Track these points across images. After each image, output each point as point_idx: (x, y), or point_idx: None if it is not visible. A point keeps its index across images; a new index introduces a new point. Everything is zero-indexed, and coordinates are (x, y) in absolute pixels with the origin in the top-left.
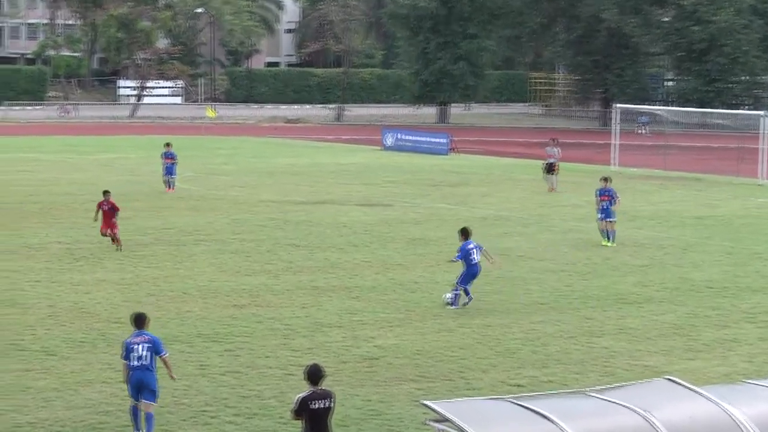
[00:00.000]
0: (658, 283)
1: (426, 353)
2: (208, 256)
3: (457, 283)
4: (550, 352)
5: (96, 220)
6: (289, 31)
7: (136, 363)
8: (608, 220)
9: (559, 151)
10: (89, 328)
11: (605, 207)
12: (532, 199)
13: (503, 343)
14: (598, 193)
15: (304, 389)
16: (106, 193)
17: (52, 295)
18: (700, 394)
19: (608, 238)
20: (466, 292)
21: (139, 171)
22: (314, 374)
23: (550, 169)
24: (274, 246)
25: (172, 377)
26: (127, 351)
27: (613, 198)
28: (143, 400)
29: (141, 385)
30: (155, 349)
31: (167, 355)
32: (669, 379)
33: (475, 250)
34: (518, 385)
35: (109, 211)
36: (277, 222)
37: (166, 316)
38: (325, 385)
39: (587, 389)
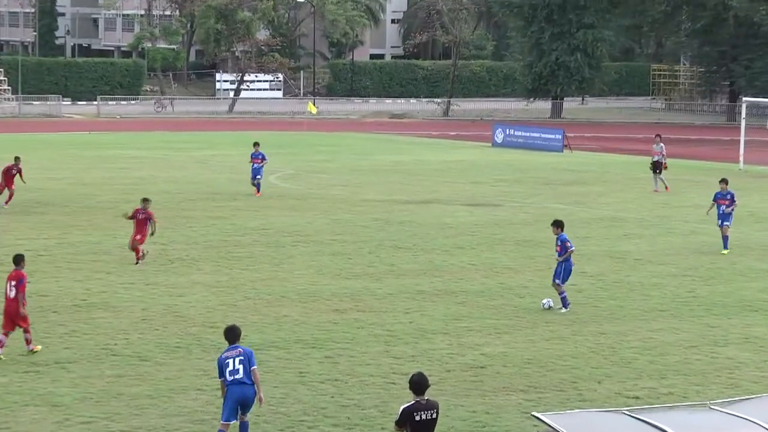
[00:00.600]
0: None
1: (536, 362)
2: (308, 257)
3: (557, 283)
4: (669, 362)
5: (128, 218)
6: (395, 21)
7: (230, 378)
8: (726, 224)
9: (663, 148)
10: (183, 332)
11: (722, 212)
12: (651, 199)
13: (619, 352)
14: (716, 196)
15: (407, 399)
16: (145, 201)
17: (145, 298)
18: None
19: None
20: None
21: (238, 169)
22: (418, 384)
23: (655, 168)
24: (377, 248)
25: (260, 399)
26: (221, 367)
27: (733, 202)
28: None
29: (243, 401)
30: (249, 361)
31: (256, 368)
32: None
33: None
34: (635, 397)
35: (143, 221)
36: (380, 222)
37: (263, 321)
38: (429, 395)
39: (710, 402)
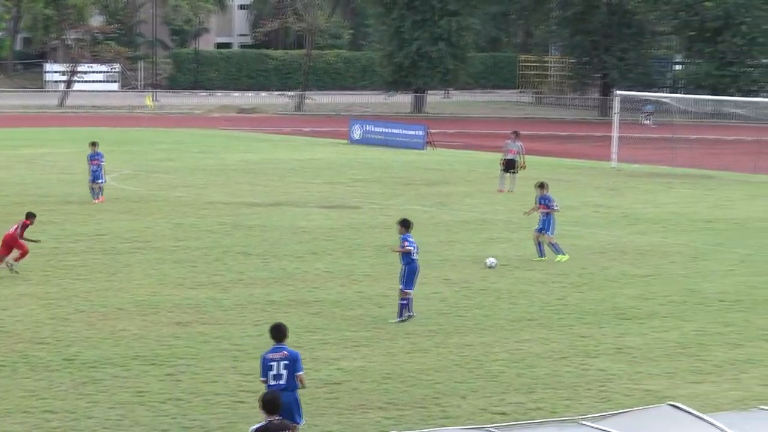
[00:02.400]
0: (662, 296)
1: (396, 377)
2: (147, 266)
3: (401, 288)
4: (537, 375)
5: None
6: (243, 7)
7: (273, 382)
8: (545, 233)
9: (522, 147)
10: (8, 349)
11: (544, 218)
12: (519, 200)
13: (484, 365)
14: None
15: (258, 419)
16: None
17: None
18: (708, 422)
19: (541, 254)
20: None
21: (71, 168)
22: (270, 402)
23: (508, 166)
24: (223, 254)
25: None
26: (265, 368)
27: (551, 207)
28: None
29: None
30: (294, 366)
31: (303, 373)
32: (673, 405)
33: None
34: (501, 413)
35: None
36: (227, 227)
37: (97, 336)
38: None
39: (580, 417)
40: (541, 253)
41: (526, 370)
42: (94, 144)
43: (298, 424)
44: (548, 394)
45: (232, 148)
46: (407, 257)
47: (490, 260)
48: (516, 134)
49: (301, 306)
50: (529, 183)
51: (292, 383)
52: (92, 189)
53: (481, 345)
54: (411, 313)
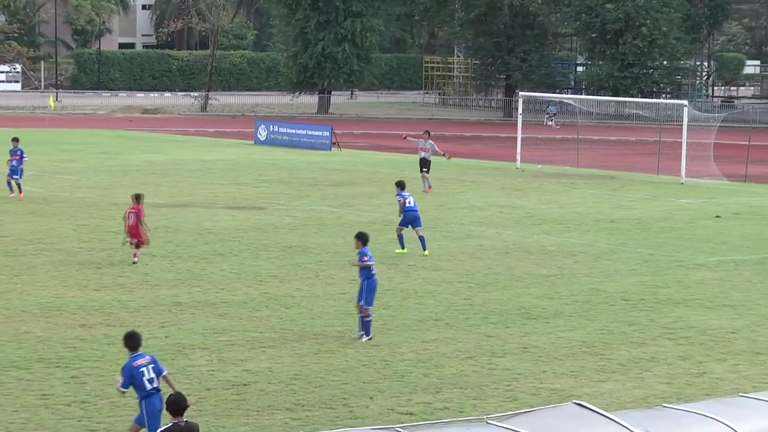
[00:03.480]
0: (566, 296)
1: (303, 378)
2: (51, 268)
3: (361, 304)
4: (444, 374)
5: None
6: (146, 7)
7: (150, 387)
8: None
9: (434, 144)
10: None
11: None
12: (425, 200)
13: (391, 365)
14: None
15: (165, 421)
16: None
17: None
18: (613, 420)
19: (422, 246)
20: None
21: None
22: (175, 404)
23: (423, 166)
24: (128, 256)
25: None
26: (138, 376)
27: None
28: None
29: (158, 411)
30: (158, 369)
31: (167, 372)
32: (578, 404)
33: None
34: (408, 413)
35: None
36: None
37: (0, 338)
38: (188, 416)
39: (487, 416)
40: (403, 246)
41: (432, 370)
42: (15, 140)
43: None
44: (455, 393)
45: (136, 149)
46: (366, 272)
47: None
48: (428, 133)
49: (207, 307)
50: (455, 181)
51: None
52: (9, 183)
53: (388, 345)
54: (365, 335)
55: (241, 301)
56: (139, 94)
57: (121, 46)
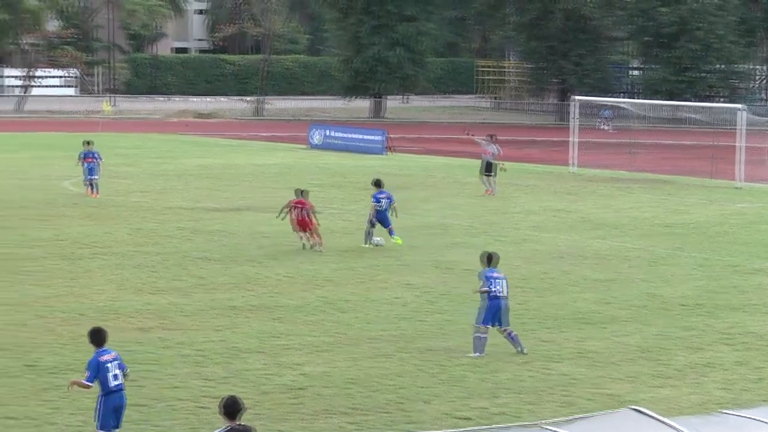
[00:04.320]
0: (622, 301)
1: (359, 382)
2: (107, 271)
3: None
4: (500, 379)
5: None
6: (200, 12)
7: (114, 383)
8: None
9: (499, 148)
10: None
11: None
12: (479, 205)
13: (448, 369)
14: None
15: (220, 425)
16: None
17: None
18: (670, 425)
19: (369, 241)
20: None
21: (27, 174)
22: (231, 407)
23: (488, 169)
24: (183, 259)
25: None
26: (103, 371)
27: (391, 201)
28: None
29: (120, 408)
30: (122, 366)
31: (128, 371)
32: (635, 409)
33: (501, 281)
34: (465, 418)
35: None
36: (186, 232)
37: (57, 341)
38: (244, 419)
39: (543, 421)
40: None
41: (489, 374)
42: (89, 142)
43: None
44: (511, 398)
45: (190, 153)
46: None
47: (376, 239)
48: (491, 136)
49: (262, 311)
50: (509, 185)
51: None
52: (88, 184)
53: (444, 350)
54: (480, 354)
55: (297, 305)
56: (193, 99)
57: (176, 50)
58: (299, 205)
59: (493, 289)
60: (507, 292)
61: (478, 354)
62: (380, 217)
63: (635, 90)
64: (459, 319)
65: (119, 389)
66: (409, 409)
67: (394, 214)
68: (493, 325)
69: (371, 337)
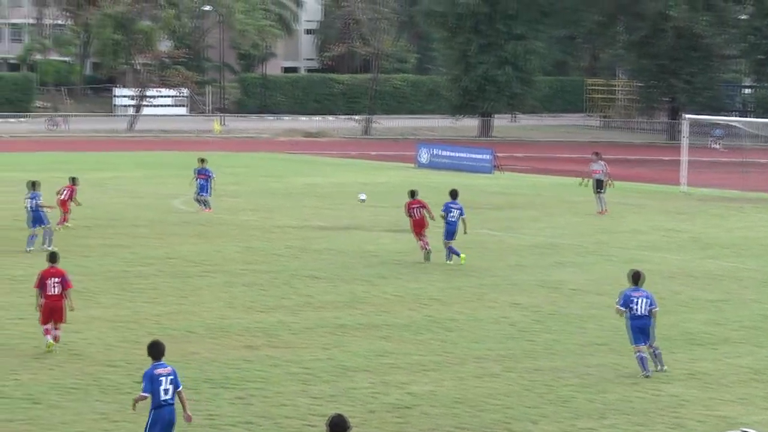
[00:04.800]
0: (734, 321)
1: (466, 401)
2: (217, 289)
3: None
4: (609, 400)
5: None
6: (310, 31)
7: (164, 397)
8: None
9: (605, 165)
10: (80, 372)
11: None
12: (588, 224)
13: (555, 390)
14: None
15: None
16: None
17: (38, 334)
18: None
19: (451, 256)
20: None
21: (138, 192)
22: (338, 425)
23: (598, 187)
24: (292, 278)
25: (188, 417)
26: (156, 384)
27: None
28: None
29: (170, 424)
30: (176, 382)
31: (181, 389)
32: None
33: (641, 299)
34: None
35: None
36: (295, 250)
37: (168, 359)
38: None
39: None
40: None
41: (597, 395)
42: (202, 160)
43: None
44: (620, 419)
45: (299, 172)
46: (628, 313)
47: (362, 196)
48: (597, 154)
49: (370, 330)
50: (618, 204)
51: (174, 399)
52: (200, 201)
53: (551, 370)
54: (646, 372)
55: (404, 323)
56: (302, 118)
57: (285, 70)
58: (416, 205)
59: (633, 308)
60: (648, 310)
61: (644, 372)
62: (449, 229)
63: (747, 108)
64: (567, 339)
65: (168, 404)
66: (515, 429)
67: (463, 228)
68: (644, 343)
69: (478, 356)
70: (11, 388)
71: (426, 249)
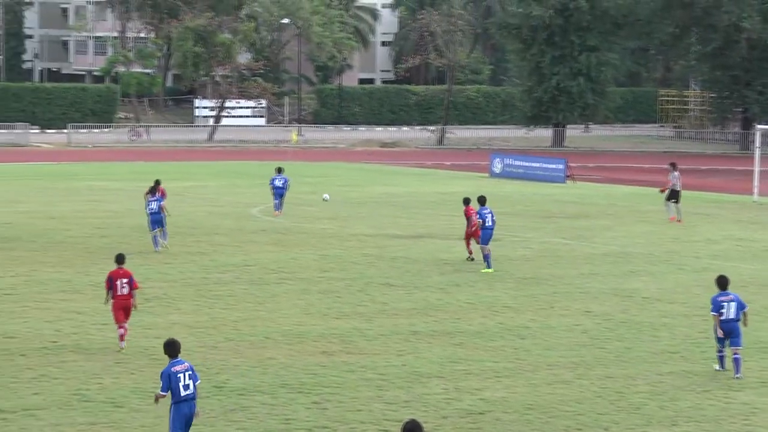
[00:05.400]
0: None
1: (538, 408)
2: (294, 296)
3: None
4: (680, 407)
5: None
6: (386, 44)
7: (184, 393)
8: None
9: (678, 177)
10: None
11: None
12: (660, 233)
13: (626, 397)
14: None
15: None
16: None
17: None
18: None
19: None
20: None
21: (218, 201)
22: (412, 431)
23: (672, 196)
24: (367, 285)
25: (197, 414)
26: (174, 380)
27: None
28: None
29: (190, 418)
30: (194, 377)
31: (199, 382)
32: None
33: (730, 304)
34: None
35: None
36: (371, 258)
37: (246, 364)
38: None
39: None
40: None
41: (668, 402)
42: (280, 169)
43: None
44: (691, 427)
45: (375, 181)
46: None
47: (325, 196)
48: (673, 165)
49: (443, 337)
50: (691, 214)
51: (195, 393)
52: (275, 205)
53: (623, 377)
54: (720, 369)
55: (477, 331)
56: (377, 128)
57: (361, 81)
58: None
59: (722, 313)
60: (737, 314)
61: (718, 368)
62: (484, 235)
63: None
64: (638, 347)
65: (190, 398)
66: None
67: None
68: (726, 346)
69: (550, 363)
70: (94, 391)
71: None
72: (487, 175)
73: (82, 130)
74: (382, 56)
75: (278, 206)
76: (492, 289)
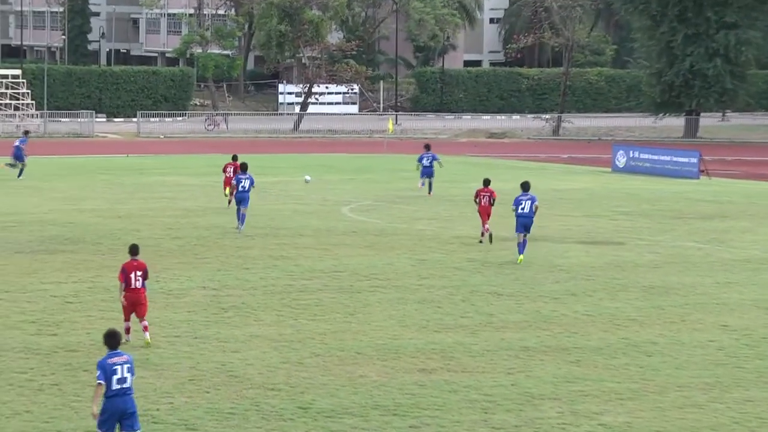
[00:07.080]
0: None
1: None
2: (388, 306)
3: None
4: None
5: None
6: (494, 21)
7: (116, 387)
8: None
9: None
10: (239, 396)
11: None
12: None
13: None
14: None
15: None
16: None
17: (193, 354)
18: None
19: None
20: None
21: (305, 198)
22: None
23: None
24: (471, 294)
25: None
26: (109, 372)
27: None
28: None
29: (123, 413)
30: (132, 370)
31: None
32: None
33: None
34: None
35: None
36: (476, 264)
37: (334, 382)
38: None
39: None
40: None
41: None
42: (427, 147)
43: (136, 431)
44: None
45: (481, 176)
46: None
47: (307, 177)
48: None
49: (558, 353)
50: None
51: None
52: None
53: (765, 401)
54: None
55: (596, 346)
56: (485, 117)
57: (467, 63)
58: (486, 193)
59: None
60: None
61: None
62: (521, 221)
63: None
64: None
65: (123, 393)
66: None
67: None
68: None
69: (680, 384)
70: (165, 412)
71: (488, 232)
72: (609, 169)
73: (153, 119)
74: (491, 35)
75: (424, 184)
76: (614, 300)
